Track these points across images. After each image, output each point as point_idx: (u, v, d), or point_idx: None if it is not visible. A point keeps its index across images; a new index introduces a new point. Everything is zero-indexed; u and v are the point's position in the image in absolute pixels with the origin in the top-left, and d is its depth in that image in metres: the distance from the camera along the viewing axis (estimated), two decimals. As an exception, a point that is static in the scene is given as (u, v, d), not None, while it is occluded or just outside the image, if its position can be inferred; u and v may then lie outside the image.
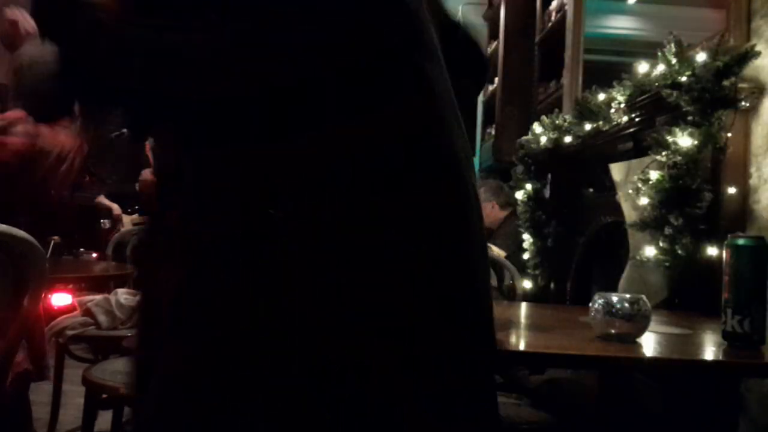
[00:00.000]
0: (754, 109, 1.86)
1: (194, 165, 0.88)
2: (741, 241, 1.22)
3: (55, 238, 4.53)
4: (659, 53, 1.94)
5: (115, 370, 1.99)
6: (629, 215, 2.04)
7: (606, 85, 2.38)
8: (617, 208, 2.17)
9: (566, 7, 3.35)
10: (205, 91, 0.83)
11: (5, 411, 1.47)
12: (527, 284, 3.06)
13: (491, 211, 3.63)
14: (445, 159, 0.91)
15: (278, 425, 0.81)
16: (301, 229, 0.82)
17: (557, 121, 2.89)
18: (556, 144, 2.90)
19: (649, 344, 1.25)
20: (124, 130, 5.23)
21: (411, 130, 0.87)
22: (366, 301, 0.83)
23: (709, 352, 1.29)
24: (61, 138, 1.69)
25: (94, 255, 5.16)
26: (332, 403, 0.81)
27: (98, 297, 2.62)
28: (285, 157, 0.83)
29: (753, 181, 1.85)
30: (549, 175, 3.13)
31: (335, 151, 0.84)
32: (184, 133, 0.89)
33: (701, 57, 1.85)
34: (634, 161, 2.10)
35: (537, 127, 3.07)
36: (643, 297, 1.24)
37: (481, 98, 5.41)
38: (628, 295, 1.24)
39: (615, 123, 2.31)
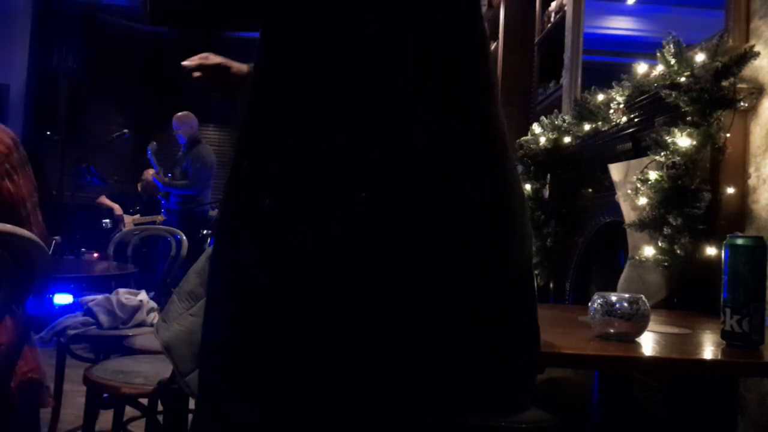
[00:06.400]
0: (752, 110, 1.86)
1: None
2: (740, 241, 1.23)
3: (57, 237, 4.55)
4: (658, 54, 1.94)
5: (116, 370, 2.00)
6: (628, 215, 2.05)
7: (605, 85, 2.39)
8: (616, 208, 2.18)
9: (565, 8, 3.36)
10: None
11: (12, 413, 1.47)
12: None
13: None
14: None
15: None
16: None
17: (556, 122, 2.90)
18: (556, 144, 2.91)
19: (648, 344, 1.25)
20: (125, 131, 5.23)
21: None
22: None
23: (708, 351, 1.29)
24: None
25: (96, 255, 5.18)
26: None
27: (99, 297, 2.63)
28: None
29: (752, 181, 1.85)
30: (548, 176, 3.14)
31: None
32: None
33: (700, 57, 1.85)
34: (633, 161, 2.10)
35: (536, 128, 3.07)
36: (642, 297, 1.24)
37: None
38: (627, 295, 1.24)
39: (614, 123, 2.31)
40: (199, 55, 1.29)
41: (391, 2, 0.91)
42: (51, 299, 4.14)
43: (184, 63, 1.29)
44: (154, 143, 5.50)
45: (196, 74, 1.23)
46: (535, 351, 0.98)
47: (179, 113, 5.33)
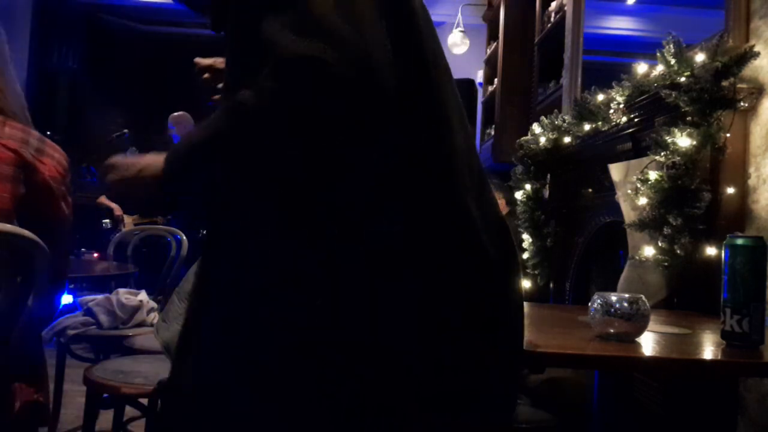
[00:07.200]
0: (752, 110, 1.86)
1: None
2: (740, 241, 1.23)
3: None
4: (658, 54, 1.94)
5: (116, 370, 2.00)
6: (628, 215, 2.05)
7: (605, 85, 2.39)
8: (616, 208, 2.18)
9: (565, 8, 3.36)
10: None
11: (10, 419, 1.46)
12: (527, 284, 3.07)
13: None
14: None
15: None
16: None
17: (556, 122, 2.90)
18: (556, 144, 2.91)
19: (648, 344, 1.25)
20: (125, 131, 5.23)
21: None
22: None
23: (708, 351, 1.29)
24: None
25: (96, 255, 5.18)
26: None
27: (99, 297, 2.63)
28: None
29: (752, 181, 1.85)
30: (548, 176, 3.14)
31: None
32: None
33: (700, 57, 1.85)
34: (633, 161, 2.10)
35: (536, 128, 3.07)
36: (642, 297, 1.24)
37: (480, 98, 5.42)
38: (627, 295, 1.24)
39: (614, 123, 2.31)
40: (214, 58, 1.28)
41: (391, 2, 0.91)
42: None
43: (197, 60, 1.29)
44: (133, 148, 5.50)
45: (206, 75, 1.23)
46: (521, 350, 0.99)
47: (175, 113, 5.33)
